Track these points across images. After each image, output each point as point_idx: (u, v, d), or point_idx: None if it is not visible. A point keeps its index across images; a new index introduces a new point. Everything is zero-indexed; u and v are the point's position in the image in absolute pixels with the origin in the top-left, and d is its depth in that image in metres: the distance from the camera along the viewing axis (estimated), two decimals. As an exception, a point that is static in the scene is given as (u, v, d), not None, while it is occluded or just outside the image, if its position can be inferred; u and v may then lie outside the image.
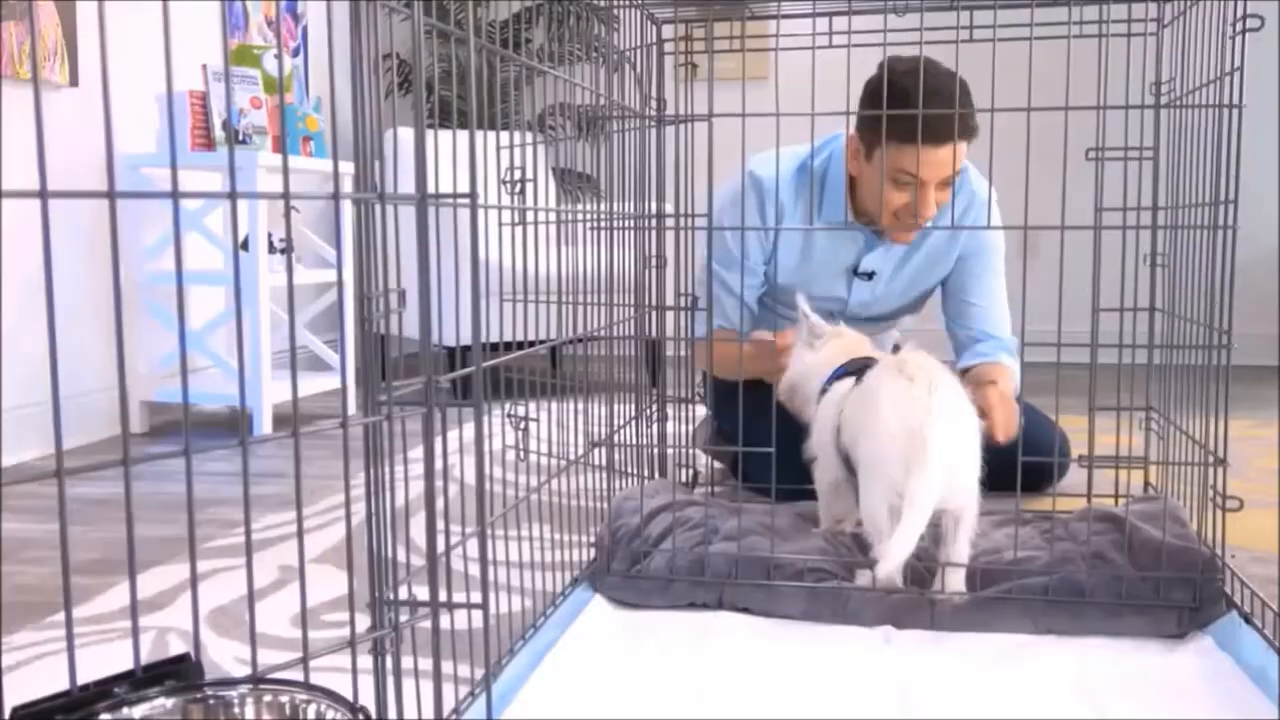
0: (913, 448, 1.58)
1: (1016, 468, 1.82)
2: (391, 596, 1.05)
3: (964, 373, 2.37)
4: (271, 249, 3.54)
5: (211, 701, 0.92)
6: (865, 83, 2.09)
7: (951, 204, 2.09)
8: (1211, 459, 1.61)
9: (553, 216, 1.97)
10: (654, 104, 2.13)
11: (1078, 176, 1.60)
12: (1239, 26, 1.53)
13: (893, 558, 1.52)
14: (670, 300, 2.10)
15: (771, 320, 2.39)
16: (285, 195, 0.93)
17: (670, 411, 2.30)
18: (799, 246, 2.31)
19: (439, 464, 1.55)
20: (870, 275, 2.35)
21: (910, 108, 1.83)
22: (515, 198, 1.66)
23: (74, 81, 3.03)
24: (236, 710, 0.93)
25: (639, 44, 2.13)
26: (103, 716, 0.87)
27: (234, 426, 3.45)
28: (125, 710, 0.88)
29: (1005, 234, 2.41)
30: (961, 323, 2.39)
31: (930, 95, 1.81)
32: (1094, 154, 1.58)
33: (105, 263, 3.17)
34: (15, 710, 0.82)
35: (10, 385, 2.81)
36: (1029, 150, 1.63)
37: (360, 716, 0.92)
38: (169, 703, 0.90)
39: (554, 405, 1.92)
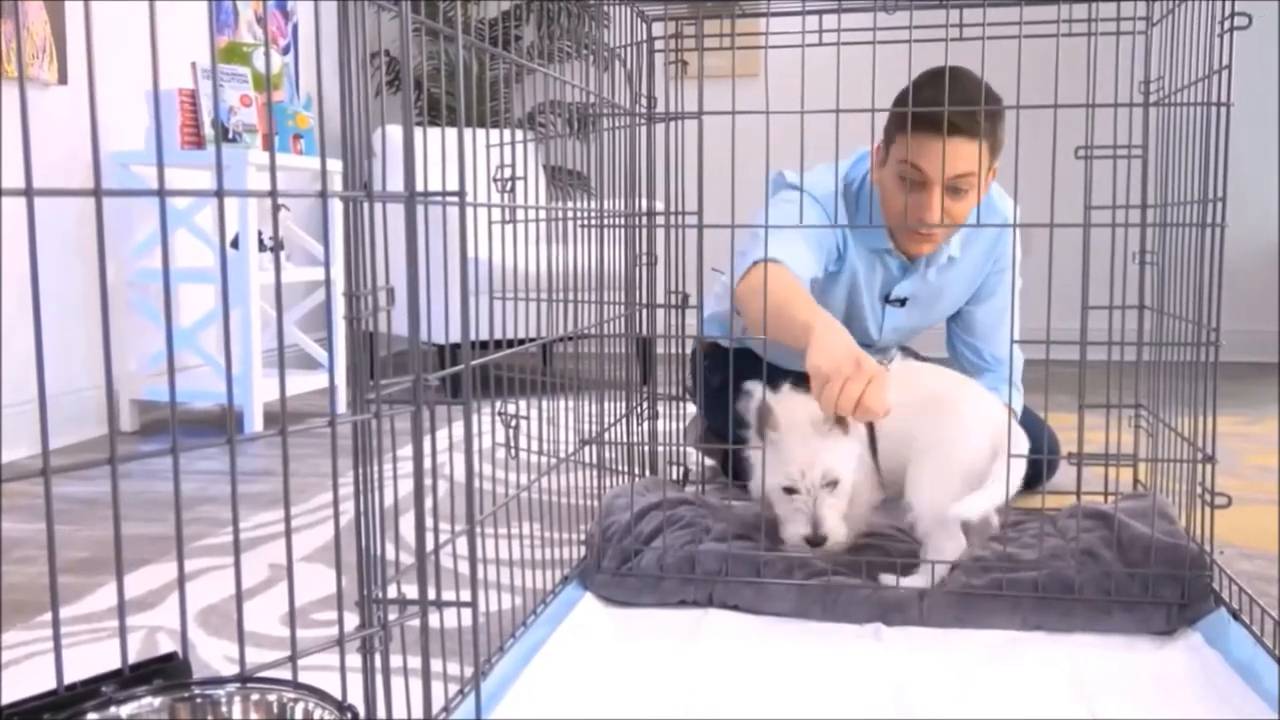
0: (998, 436, 1.70)
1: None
2: (380, 595, 1.05)
3: None
4: (262, 247, 3.53)
5: (199, 700, 0.92)
6: None
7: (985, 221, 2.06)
8: (1200, 456, 1.62)
9: (543, 214, 1.97)
10: (644, 101, 2.13)
11: (1067, 174, 1.60)
12: (1227, 25, 1.53)
13: (994, 499, 1.66)
14: (661, 298, 2.10)
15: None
16: (273, 193, 0.93)
17: (661, 409, 2.30)
18: (845, 271, 2.26)
19: (428, 462, 1.55)
20: (903, 302, 2.29)
21: (925, 101, 1.83)
22: (505, 196, 1.66)
23: (63, 79, 3.02)
24: (224, 709, 0.92)
25: (629, 41, 2.13)
26: (90, 716, 0.87)
27: (224, 425, 3.44)
28: (113, 709, 0.88)
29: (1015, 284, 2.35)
30: (965, 338, 2.34)
31: (950, 90, 1.79)
32: (1083, 152, 1.59)
33: (93, 260, 3.16)
34: (3, 709, 0.82)
35: (2, 383, 2.80)
36: (1018, 148, 1.64)
37: (348, 715, 0.92)
38: (156, 701, 0.90)
39: (544, 403, 1.92)
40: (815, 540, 1.71)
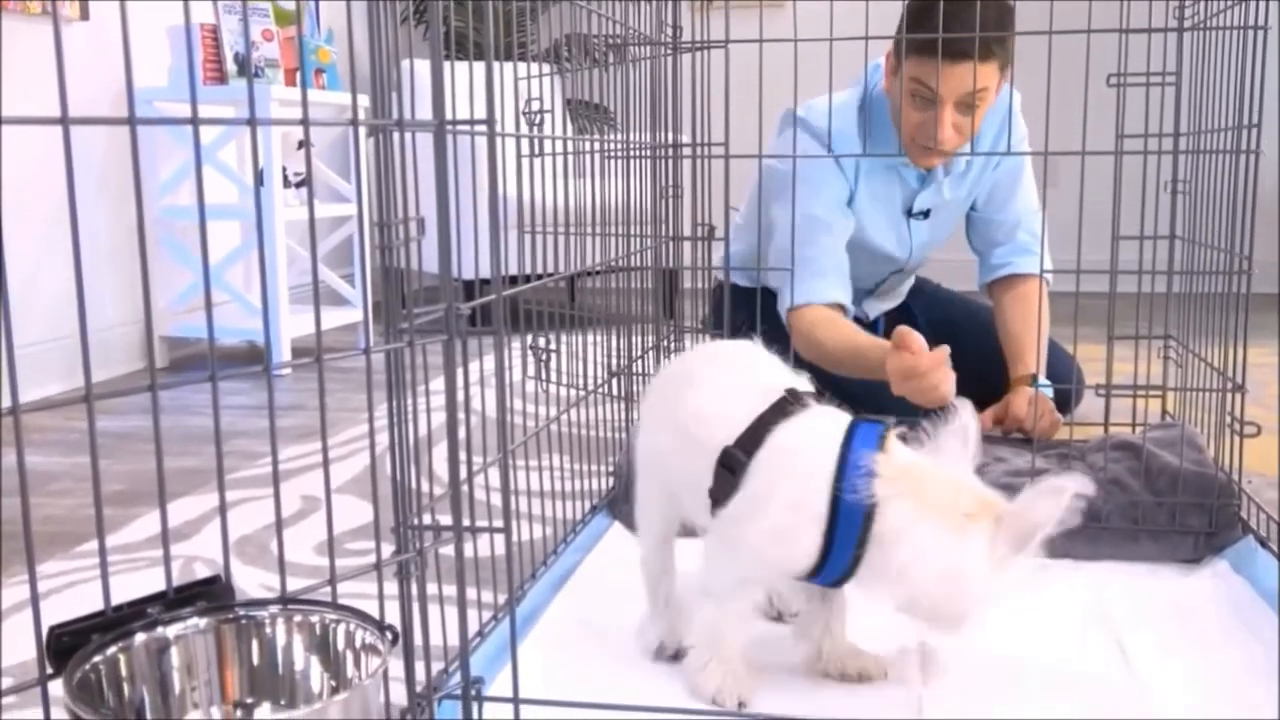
0: None
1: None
2: (415, 521, 1.07)
3: (988, 288, 2.33)
4: (286, 183, 3.53)
5: (243, 621, 0.94)
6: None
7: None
8: (1230, 385, 1.61)
9: (570, 147, 1.96)
10: (670, 31, 2.11)
11: (1099, 102, 1.58)
12: (1266, -54, 1.50)
13: None
14: (686, 230, 2.10)
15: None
16: (304, 122, 0.93)
17: (686, 342, 2.30)
18: (861, 190, 2.24)
19: (461, 393, 1.56)
20: (926, 214, 2.29)
21: (935, 21, 1.81)
22: (533, 128, 1.65)
23: (85, 15, 3.01)
24: (268, 630, 0.94)
25: (654, -30, 2.10)
26: (138, 636, 0.89)
27: (251, 361, 3.47)
28: (159, 629, 0.90)
29: (1028, 160, 2.34)
30: (985, 214, 2.33)
31: (958, 11, 1.77)
32: (1115, 79, 1.56)
33: (119, 198, 3.17)
34: (53, 629, 0.84)
35: (32, 322, 2.83)
36: (1050, 75, 1.62)
37: (388, 635, 0.93)
38: (202, 622, 0.92)
39: (572, 337, 1.93)
40: None
